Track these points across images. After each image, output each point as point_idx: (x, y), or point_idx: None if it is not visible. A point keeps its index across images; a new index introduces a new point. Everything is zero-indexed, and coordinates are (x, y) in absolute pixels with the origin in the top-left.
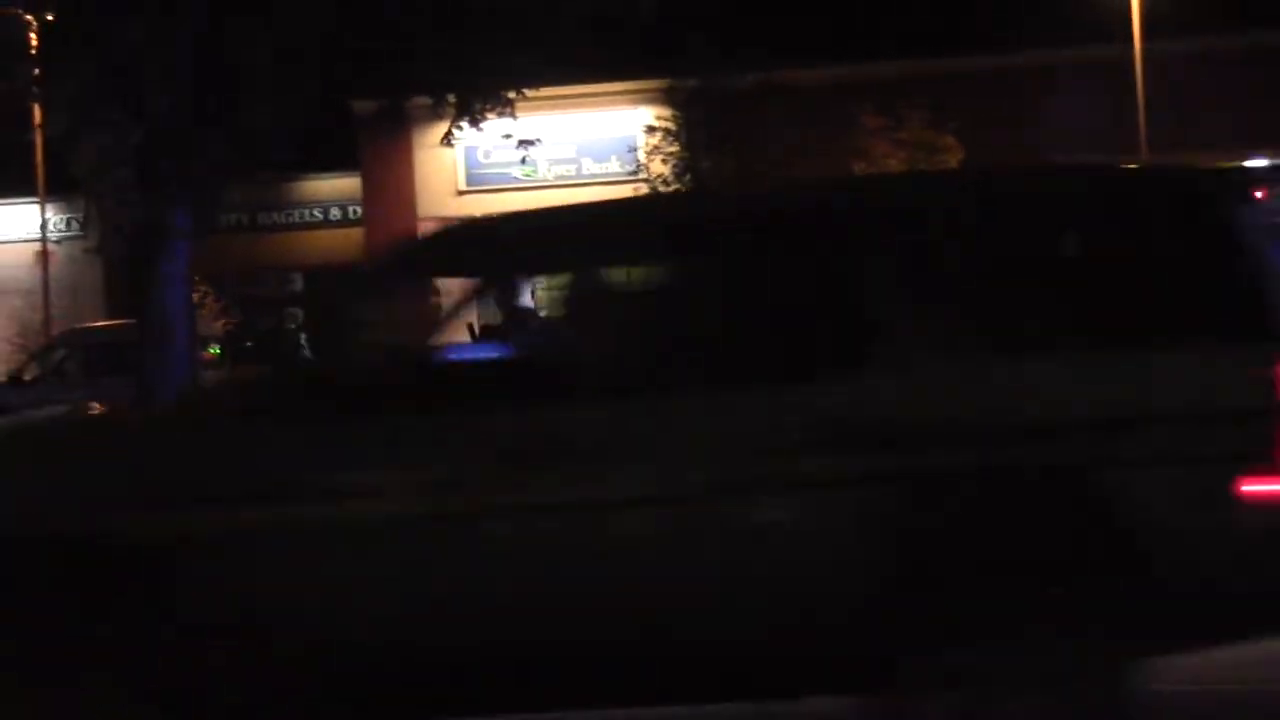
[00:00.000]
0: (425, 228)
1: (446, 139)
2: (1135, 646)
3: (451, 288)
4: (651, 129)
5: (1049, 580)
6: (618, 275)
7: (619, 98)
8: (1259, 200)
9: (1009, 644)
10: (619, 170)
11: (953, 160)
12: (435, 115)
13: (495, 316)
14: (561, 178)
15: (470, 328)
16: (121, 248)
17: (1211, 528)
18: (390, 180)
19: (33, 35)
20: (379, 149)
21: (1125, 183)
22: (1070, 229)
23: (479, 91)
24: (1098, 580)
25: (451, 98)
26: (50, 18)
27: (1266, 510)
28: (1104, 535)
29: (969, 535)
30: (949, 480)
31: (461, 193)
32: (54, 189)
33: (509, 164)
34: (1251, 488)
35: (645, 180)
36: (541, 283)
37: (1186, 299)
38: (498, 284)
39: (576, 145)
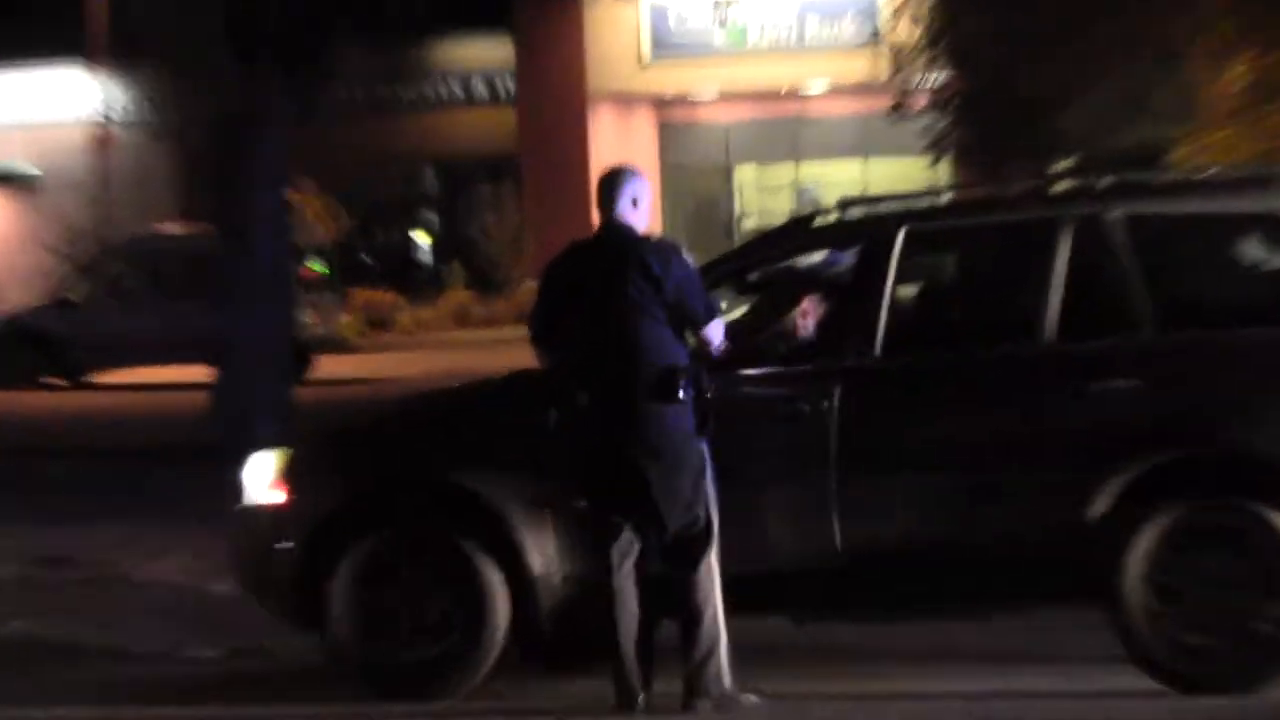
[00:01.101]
0: (599, 109)
1: None
2: None
3: None
4: None
5: None
6: None
7: None
8: None
9: None
10: (852, 36)
11: None
12: None
13: None
14: (776, 45)
15: None
16: (203, 136)
17: None
18: (554, 46)
19: None
20: (540, 5)
21: None
22: None
23: None
24: None
25: None
26: None
27: None
28: None
29: None
30: None
31: (647, 65)
32: (116, 54)
33: (708, 28)
34: None
35: (887, 48)
36: None
37: None
38: None
39: (799, 2)
